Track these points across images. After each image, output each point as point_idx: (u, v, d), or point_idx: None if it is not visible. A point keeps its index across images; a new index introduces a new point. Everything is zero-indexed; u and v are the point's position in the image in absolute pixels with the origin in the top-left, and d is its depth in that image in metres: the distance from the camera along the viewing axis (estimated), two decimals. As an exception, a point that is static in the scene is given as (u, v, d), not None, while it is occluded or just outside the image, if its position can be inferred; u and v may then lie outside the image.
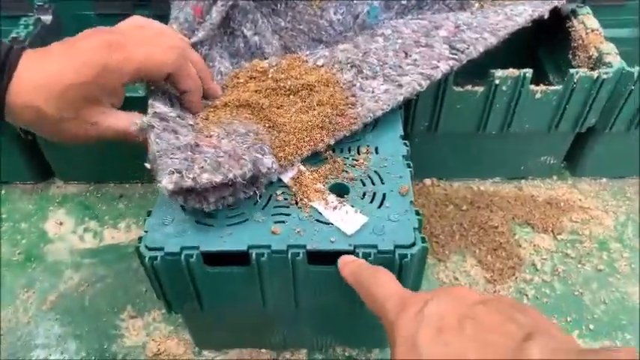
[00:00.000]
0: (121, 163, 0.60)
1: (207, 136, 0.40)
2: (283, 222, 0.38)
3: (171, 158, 0.36)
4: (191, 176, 0.35)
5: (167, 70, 0.40)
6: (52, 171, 0.63)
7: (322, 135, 0.43)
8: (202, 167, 0.36)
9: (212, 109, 0.45)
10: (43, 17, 0.60)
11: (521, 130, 0.54)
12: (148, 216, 0.40)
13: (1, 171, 0.61)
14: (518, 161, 0.59)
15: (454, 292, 0.29)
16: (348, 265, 0.35)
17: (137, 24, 0.43)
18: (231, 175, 0.36)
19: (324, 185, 0.41)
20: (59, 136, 0.40)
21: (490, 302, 0.27)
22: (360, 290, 0.33)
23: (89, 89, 0.38)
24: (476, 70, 0.48)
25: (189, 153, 0.38)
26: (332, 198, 0.40)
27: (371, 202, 0.39)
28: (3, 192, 0.63)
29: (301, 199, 0.40)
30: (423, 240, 0.36)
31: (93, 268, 0.55)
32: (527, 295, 0.50)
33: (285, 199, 0.40)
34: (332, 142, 0.43)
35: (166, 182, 0.35)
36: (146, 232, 0.39)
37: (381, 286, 0.32)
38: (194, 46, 0.48)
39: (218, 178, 0.36)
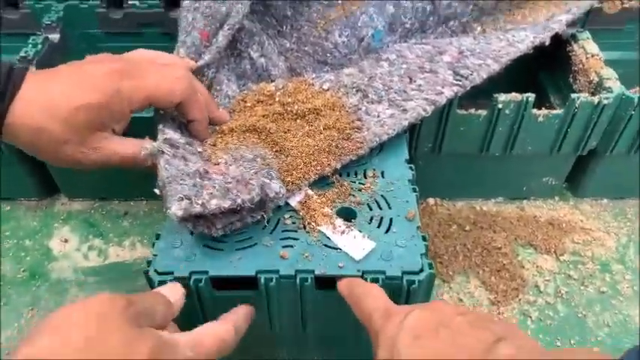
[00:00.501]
0: (126, 181, 0.60)
1: (215, 164, 0.41)
2: (291, 246, 0.39)
3: (180, 184, 0.37)
4: (200, 202, 0.36)
5: (176, 100, 0.41)
6: (56, 187, 0.63)
7: (329, 159, 0.43)
8: (211, 193, 0.37)
9: (220, 135, 0.45)
10: (50, 36, 0.61)
11: (524, 152, 0.54)
12: (157, 239, 0.40)
13: (5, 187, 0.62)
14: (521, 182, 0.59)
15: (434, 305, 0.32)
16: (345, 279, 0.37)
17: (145, 56, 0.44)
18: (239, 201, 0.37)
19: (331, 209, 0.41)
20: (59, 159, 0.39)
21: (467, 314, 0.30)
22: (352, 302, 0.36)
23: (97, 114, 0.38)
24: (477, 90, 0.49)
25: (198, 180, 0.38)
26: (339, 222, 0.40)
27: (378, 226, 0.40)
28: (7, 208, 0.63)
29: (309, 223, 0.40)
30: (430, 266, 0.37)
31: (98, 287, 0.55)
32: (530, 317, 0.50)
33: (293, 222, 0.41)
34: (339, 166, 0.44)
35: (175, 208, 0.35)
36: (155, 255, 0.39)
37: (371, 299, 0.34)
38: (201, 69, 0.48)
39: (227, 204, 0.36)
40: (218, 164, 0.41)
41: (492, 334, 0.27)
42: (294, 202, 0.42)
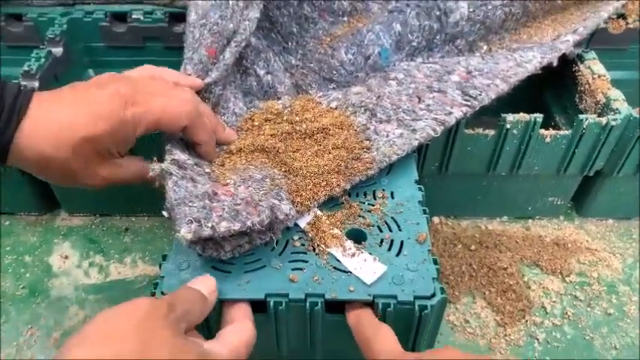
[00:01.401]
0: (127, 196, 0.60)
1: (224, 184, 0.40)
2: (301, 269, 0.38)
3: (189, 207, 0.36)
4: (209, 225, 0.35)
5: (182, 124, 0.40)
6: (57, 202, 0.63)
7: (338, 179, 0.43)
8: (220, 216, 0.36)
9: (227, 155, 0.45)
10: (54, 50, 0.60)
11: (530, 172, 0.54)
12: (164, 260, 0.39)
13: (5, 201, 0.61)
14: (526, 201, 0.59)
15: (443, 353, 0.32)
16: (355, 310, 0.37)
17: (150, 74, 0.44)
18: (249, 223, 0.36)
19: (341, 231, 0.41)
20: (67, 184, 0.40)
21: None
22: (360, 338, 0.35)
23: (102, 143, 0.37)
24: (482, 107, 0.49)
25: (207, 201, 0.37)
26: (349, 244, 0.39)
27: (389, 249, 0.39)
28: (7, 223, 0.62)
29: (318, 245, 0.40)
30: (443, 291, 0.36)
31: (98, 305, 0.54)
32: (537, 339, 0.50)
33: (302, 244, 0.40)
34: (348, 186, 0.43)
35: (185, 232, 0.34)
36: (162, 277, 0.38)
37: (381, 340, 0.34)
38: (208, 86, 0.48)
39: (236, 227, 0.36)
40: (227, 185, 0.40)
41: None
42: (303, 223, 0.42)
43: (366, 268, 0.38)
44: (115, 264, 0.58)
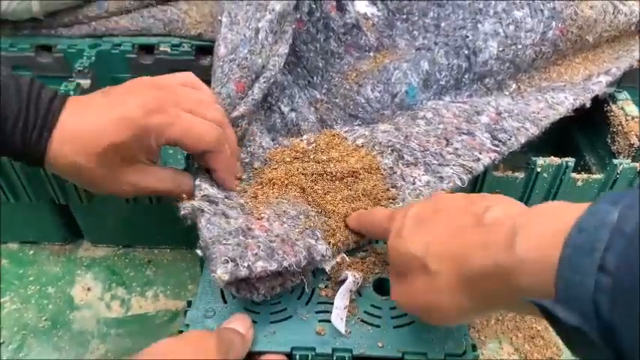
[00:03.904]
0: (150, 228, 0.60)
1: (257, 219, 0.40)
2: (328, 321, 0.37)
3: (224, 245, 0.36)
4: (245, 265, 0.35)
5: (203, 148, 0.40)
6: (80, 232, 0.63)
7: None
8: (256, 254, 0.35)
9: (259, 187, 0.44)
10: (82, 82, 0.61)
11: (560, 215, 0.53)
12: (189, 307, 0.39)
13: (29, 231, 0.61)
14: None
15: (433, 196, 0.36)
16: (353, 214, 0.42)
17: (184, 81, 0.43)
18: (286, 264, 0.36)
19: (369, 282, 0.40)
20: (99, 191, 0.40)
21: (463, 197, 0.33)
22: (363, 228, 0.41)
23: (126, 149, 0.38)
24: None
25: (242, 237, 0.37)
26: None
27: (418, 302, 0.38)
28: (31, 252, 0.62)
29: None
30: (474, 348, 0.35)
31: (119, 340, 0.54)
32: (567, 390, 0.48)
33: (328, 295, 0.39)
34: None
35: (221, 272, 0.34)
36: (187, 325, 0.38)
37: (377, 215, 0.39)
38: (235, 120, 0.48)
39: (273, 267, 0.35)
40: (260, 219, 0.40)
41: (482, 207, 0.30)
42: (328, 266, 0.41)
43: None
44: (136, 297, 0.58)
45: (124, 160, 0.38)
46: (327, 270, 0.41)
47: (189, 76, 0.44)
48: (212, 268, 0.35)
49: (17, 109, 0.36)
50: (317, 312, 0.38)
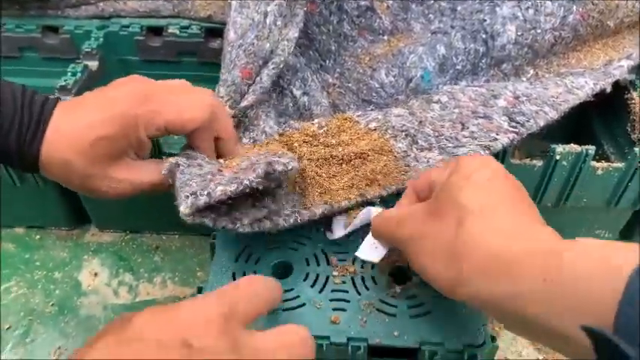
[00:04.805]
0: (158, 213, 0.59)
1: (229, 167, 0.39)
2: (343, 310, 0.36)
3: (189, 185, 0.35)
4: (205, 192, 0.34)
5: (194, 126, 0.39)
6: (87, 217, 0.62)
7: (373, 189, 0.43)
8: (218, 183, 0.35)
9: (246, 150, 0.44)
10: (89, 63, 0.59)
11: (578, 205, 0.52)
12: (199, 293, 0.38)
13: (36, 215, 0.61)
14: (572, 234, 0.56)
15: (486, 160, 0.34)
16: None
17: (172, 82, 0.42)
18: (246, 182, 0.35)
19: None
20: (88, 192, 0.39)
21: (511, 181, 0.34)
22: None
23: (115, 143, 0.37)
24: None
25: (209, 176, 0.36)
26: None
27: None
28: (37, 237, 0.61)
29: None
30: (493, 339, 0.34)
31: (127, 326, 0.53)
32: (583, 383, 0.47)
33: (344, 282, 0.38)
34: (384, 193, 0.43)
35: (183, 208, 0.34)
36: (198, 313, 0.37)
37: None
38: (244, 109, 0.47)
39: (232, 187, 0.34)
40: (232, 167, 0.39)
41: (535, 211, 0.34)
42: (340, 232, 0.41)
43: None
44: (144, 283, 0.57)
45: (113, 156, 0.38)
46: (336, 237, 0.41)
47: (183, 84, 0.42)
48: (179, 209, 0.34)
49: (12, 115, 0.36)
50: (331, 300, 0.37)
